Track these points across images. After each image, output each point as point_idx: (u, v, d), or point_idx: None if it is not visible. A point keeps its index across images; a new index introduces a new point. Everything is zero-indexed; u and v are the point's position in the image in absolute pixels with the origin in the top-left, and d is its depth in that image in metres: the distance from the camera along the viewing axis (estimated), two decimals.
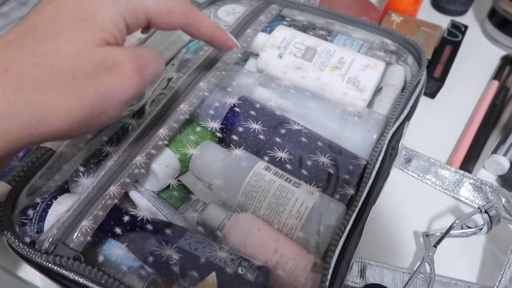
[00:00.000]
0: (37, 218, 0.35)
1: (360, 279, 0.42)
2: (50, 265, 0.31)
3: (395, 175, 0.52)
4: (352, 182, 0.39)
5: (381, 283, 0.42)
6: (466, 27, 0.69)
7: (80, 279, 0.30)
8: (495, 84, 0.63)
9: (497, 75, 0.65)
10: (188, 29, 0.35)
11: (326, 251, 0.35)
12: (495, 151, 0.53)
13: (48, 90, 0.25)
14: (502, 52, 0.71)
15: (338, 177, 0.39)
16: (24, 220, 0.35)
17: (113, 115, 0.30)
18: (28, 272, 0.42)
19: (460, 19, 0.75)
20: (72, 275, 0.31)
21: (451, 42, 0.66)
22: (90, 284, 0.30)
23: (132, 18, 0.30)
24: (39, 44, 0.26)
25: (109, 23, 0.28)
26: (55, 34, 0.26)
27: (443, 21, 0.71)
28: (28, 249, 0.32)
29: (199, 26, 0.35)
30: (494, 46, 0.72)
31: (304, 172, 0.39)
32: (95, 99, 0.27)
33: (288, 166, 0.39)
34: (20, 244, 0.32)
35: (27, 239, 0.34)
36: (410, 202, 0.50)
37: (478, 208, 0.42)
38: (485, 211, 0.42)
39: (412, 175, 0.52)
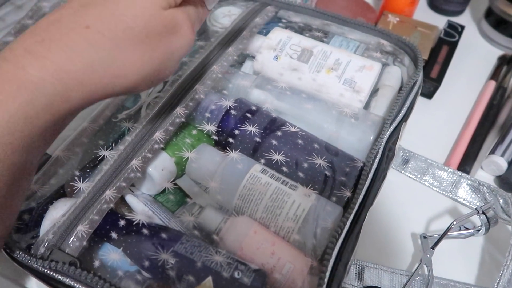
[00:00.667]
0: (32, 223, 0.35)
1: (358, 282, 0.42)
2: (45, 270, 0.31)
3: (393, 176, 0.52)
4: (349, 184, 0.38)
5: (379, 286, 0.42)
6: (462, 27, 0.69)
7: (76, 284, 0.30)
8: (492, 84, 0.63)
9: (494, 75, 0.65)
10: None
11: (323, 254, 0.35)
12: (492, 152, 0.53)
13: (125, 47, 0.28)
14: (499, 52, 0.70)
15: (334, 179, 0.39)
16: (19, 225, 0.35)
17: (172, 70, 0.33)
18: (26, 279, 0.42)
19: (456, 19, 0.75)
20: (68, 281, 0.30)
21: (447, 42, 0.66)
22: None
23: None
24: (116, 4, 0.28)
25: None
26: None
27: (440, 21, 0.71)
28: (23, 255, 0.31)
29: None
30: (491, 46, 0.72)
31: (301, 174, 0.39)
32: (162, 56, 0.31)
33: (285, 169, 0.39)
34: (16, 250, 0.32)
35: (23, 244, 0.33)
36: (408, 204, 0.50)
37: (476, 209, 0.42)
38: (483, 212, 0.41)
39: (409, 176, 0.52)
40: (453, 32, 0.67)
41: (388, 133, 0.41)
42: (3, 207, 0.28)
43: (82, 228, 0.33)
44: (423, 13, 0.77)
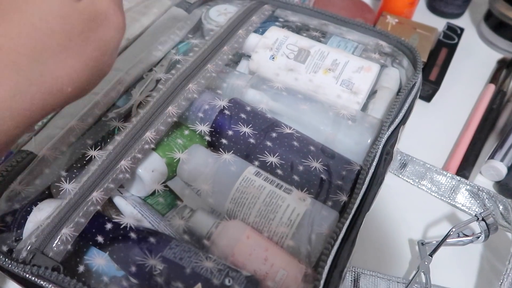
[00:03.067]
0: (15, 225, 0.33)
1: None
2: (27, 275, 0.29)
3: (390, 180, 0.51)
4: (345, 188, 0.37)
5: None
6: (462, 29, 0.68)
7: None
8: (492, 87, 0.62)
9: (493, 79, 0.64)
10: None
11: (318, 260, 0.33)
12: (492, 157, 0.52)
13: (48, 58, 0.24)
14: (498, 55, 0.70)
15: (330, 183, 0.37)
16: (1, 228, 0.33)
17: (111, 63, 0.29)
18: (6, 283, 0.41)
19: (456, 22, 0.74)
20: (50, 286, 0.29)
21: (447, 44, 0.65)
22: None
23: None
24: (20, 13, 0.24)
25: None
26: None
27: (439, 23, 0.70)
28: (4, 258, 0.30)
29: None
30: (490, 49, 0.71)
31: (296, 177, 0.38)
32: (95, 54, 0.27)
33: (279, 171, 0.38)
34: None
35: (4, 248, 0.32)
36: (405, 209, 0.49)
37: (475, 215, 0.41)
38: (483, 219, 0.40)
39: (407, 181, 0.51)
40: (453, 35, 0.66)
41: (386, 136, 0.40)
42: None
43: (67, 231, 0.31)
44: (422, 15, 0.76)
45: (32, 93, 0.24)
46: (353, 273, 0.42)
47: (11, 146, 0.26)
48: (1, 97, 0.23)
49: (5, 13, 0.24)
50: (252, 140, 0.39)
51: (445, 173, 0.50)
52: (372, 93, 0.46)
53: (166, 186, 0.39)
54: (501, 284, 0.39)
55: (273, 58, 0.46)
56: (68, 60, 0.25)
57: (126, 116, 0.40)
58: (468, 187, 0.49)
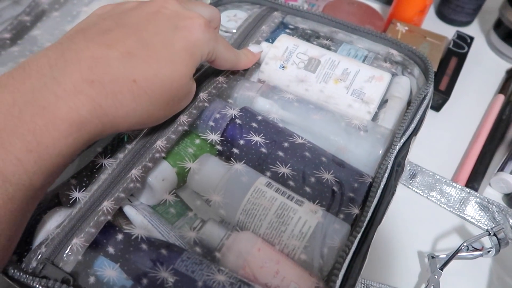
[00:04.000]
0: (25, 234, 0.33)
1: None
2: (37, 285, 0.29)
3: (400, 191, 0.50)
4: (357, 201, 0.37)
5: None
6: (472, 38, 0.67)
7: None
8: (501, 98, 0.62)
9: (502, 89, 0.64)
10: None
11: (329, 274, 0.33)
12: (501, 169, 0.51)
13: (157, 105, 0.32)
14: (508, 65, 0.69)
15: (342, 195, 0.37)
16: None
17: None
18: None
19: (465, 30, 0.74)
20: None
21: (457, 53, 0.65)
22: None
23: (208, 56, 0.37)
24: (158, 66, 0.31)
25: (203, 57, 0.36)
26: (171, 60, 0.32)
27: (448, 31, 0.70)
28: (13, 269, 0.30)
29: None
30: (499, 59, 0.71)
31: (307, 189, 0.37)
32: (173, 112, 0.36)
33: (291, 183, 0.38)
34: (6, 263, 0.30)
35: (14, 257, 0.32)
36: (415, 220, 0.48)
37: (487, 230, 0.40)
38: (494, 234, 0.40)
39: (416, 192, 0.51)
40: (462, 44, 0.66)
41: (397, 148, 0.39)
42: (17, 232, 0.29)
43: (78, 241, 0.31)
44: (431, 23, 0.76)
45: (133, 120, 0.31)
46: (362, 285, 0.41)
47: None
48: (117, 116, 0.30)
49: (148, 62, 0.31)
50: (263, 150, 0.39)
51: (455, 185, 0.50)
52: (383, 102, 0.46)
53: (176, 195, 0.39)
54: None
55: (283, 67, 0.46)
56: (163, 111, 0.34)
57: None
58: (477, 199, 0.49)
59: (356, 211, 0.36)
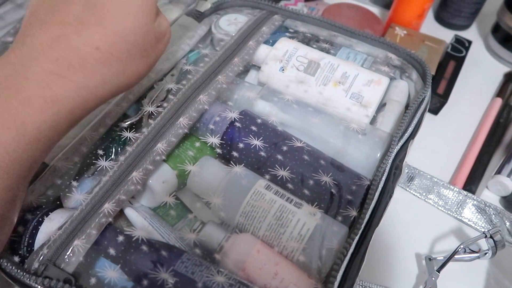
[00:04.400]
0: (27, 236, 0.33)
1: None
2: (39, 287, 0.29)
3: (397, 193, 0.51)
4: (355, 203, 0.37)
5: None
6: (470, 42, 0.68)
7: None
8: (499, 101, 0.62)
9: (500, 92, 0.64)
10: None
11: (328, 276, 0.34)
12: (499, 172, 0.52)
13: (129, 61, 0.32)
14: (506, 69, 0.70)
15: (341, 198, 0.37)
16: (13, 238, 0.33)
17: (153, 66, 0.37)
18: None
19: (463, 34, 0.74)
20: None
21: (455, 57, 0.65)
22: None
23: None
24: (115, 23, 0.31)
25: None
26: (125, 12, 0.31)
27: (446, 35, 0.71)
28: (16, 269, 0.30)
29: None
30: (497, 62, 0.71)
31: (306, 191, 0.38)
32: (154, 61, 0.35)
33: (290, 185, 0.38)
34: (8, 264, 0.30)
35: (16, 258, 0.32)
36: (412, 222, 0.49)
37: (483, 233, 0.41)
38: (490, 236, 0.40)
39: (414, 194, 0.51)
40: (460, 47, 0.67)
41: (395, 151, 0.40)
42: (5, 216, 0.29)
43: (79, 243, 0.32)
44: (430, 27, 0.76)
45: (112, 85, 0.32)
46: (360, 286, 0.42)
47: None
48: (92, 86, 0.30)
49: (103, 24, 0.30)
50: (263, 153, 0.39)
51: (452, 188, 0.50)
52: (381, 106, 0.46)
53: (176, 197, 0.39)
54: None
55: (283, 69, 0.46)
56: (140, 64, 0.34)
57: (137, 127, 0.40)
58: (475, 202, 0.49)
59: (354, 213, 0.37)
